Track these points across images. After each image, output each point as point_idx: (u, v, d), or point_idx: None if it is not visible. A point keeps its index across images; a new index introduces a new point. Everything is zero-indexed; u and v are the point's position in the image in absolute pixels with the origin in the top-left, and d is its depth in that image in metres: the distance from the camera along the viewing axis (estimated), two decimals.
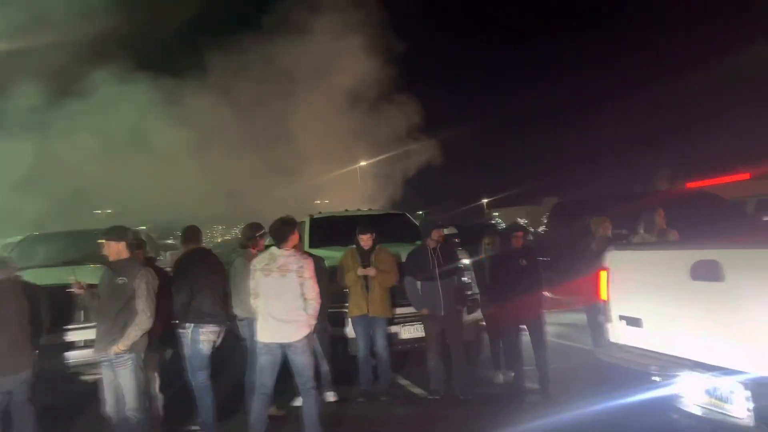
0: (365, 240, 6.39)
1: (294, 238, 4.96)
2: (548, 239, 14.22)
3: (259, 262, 4.94)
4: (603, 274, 4.92)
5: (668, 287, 4.20)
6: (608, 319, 4.82)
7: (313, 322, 4.86)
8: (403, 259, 6.58)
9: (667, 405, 4.22)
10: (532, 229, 22.94)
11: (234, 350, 6.34)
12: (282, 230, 4.94)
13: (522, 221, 41.57)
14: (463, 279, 6.78)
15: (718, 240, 4.29)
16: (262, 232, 5.96)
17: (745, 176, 17.25)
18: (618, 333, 4.74)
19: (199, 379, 5.27)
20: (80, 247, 8.09)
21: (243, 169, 24.34)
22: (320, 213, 9.11)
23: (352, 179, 29.75)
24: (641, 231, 6.68)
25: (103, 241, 4.94)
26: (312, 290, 4.81)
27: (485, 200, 61.76)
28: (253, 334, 5.13)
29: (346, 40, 24.33)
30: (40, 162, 21.03)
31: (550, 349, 6.42)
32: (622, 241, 6.99)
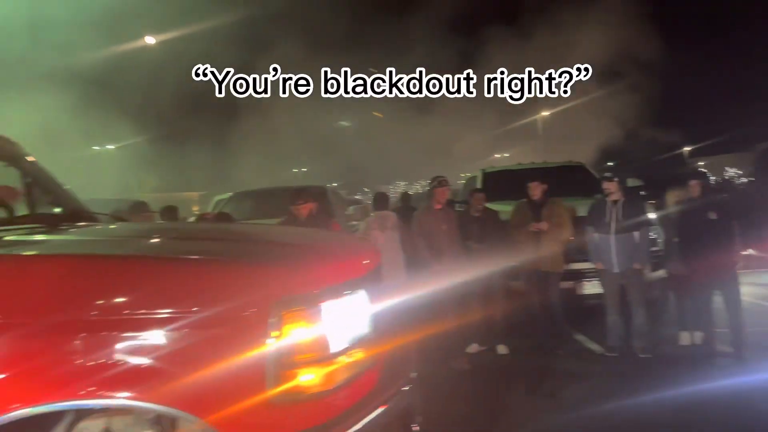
0: (534, 189, 6.30)
1: None
2: (754, 191, 12.63)
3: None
4: None
5: None
6: None
7: None
8: (579, 213, 6.41)
9: None
10: (741, 180, 20.36)
11: None
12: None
13: (731, 171, 37.09)
14: (648, 235, 6.38)
15: None
16: (436, 183, 6.23)
17: None
18: None
19: None
20: (278, 201, 9.08)
21: (427, 126, 24.79)
22: (493, 167, 9.11)
23: (549, 129, 28.64)
24: None
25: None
26: None
27: (687, 148, 55.78)
28: None
29: None
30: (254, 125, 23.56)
31: (747, 311, 5.86)
32: None
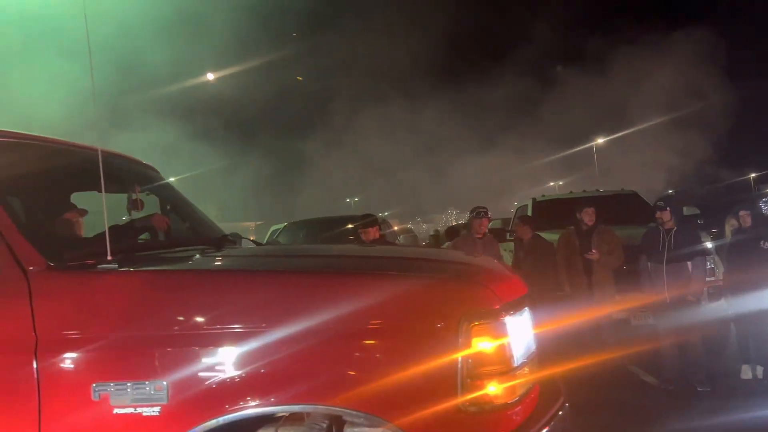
0: (588, 216, 6.28)
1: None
2: None
3: None
4: None
5: None
6: None
7: None
8: (632, 242, 6.33)
9: None
10: None
11: None
12: None
13: None
14: (703, 264, 6.23)
15: None
16: (473, 214, 6.39)
17: None
18: None
19: None
20: (331, 230, 9.30)
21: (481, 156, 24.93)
22: (543, 196, 9.08)
23: (613, 157, 28.05)
24: None
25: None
26: None
27: (754, 174, 53.43)
28: None
29: None
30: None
31: None
32: None
